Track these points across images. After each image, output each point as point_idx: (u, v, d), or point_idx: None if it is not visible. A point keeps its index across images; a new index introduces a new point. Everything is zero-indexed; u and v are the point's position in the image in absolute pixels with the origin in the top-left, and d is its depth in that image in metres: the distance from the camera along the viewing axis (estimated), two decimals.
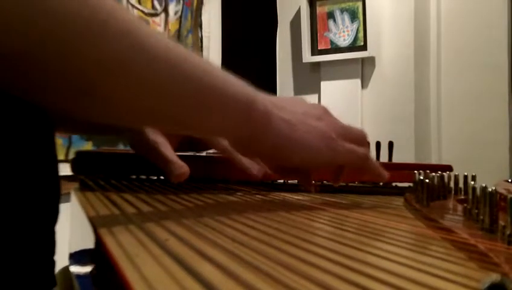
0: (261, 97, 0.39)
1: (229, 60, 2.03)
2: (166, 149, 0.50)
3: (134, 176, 0.59)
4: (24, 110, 0.30)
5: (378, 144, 0.62)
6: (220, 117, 0.36)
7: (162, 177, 0.59)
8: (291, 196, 0.52)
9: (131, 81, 0.29)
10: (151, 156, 0.50)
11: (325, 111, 0.45)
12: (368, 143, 0.48)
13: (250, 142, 0.40)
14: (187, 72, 0.32)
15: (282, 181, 0.59)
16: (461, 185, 0.50)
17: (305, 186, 0.49)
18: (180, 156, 0.50)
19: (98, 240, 0.27)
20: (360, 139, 0.46)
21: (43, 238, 0.32)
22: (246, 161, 0.52)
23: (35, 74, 0.26)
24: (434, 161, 1.94)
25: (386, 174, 0.48)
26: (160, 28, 1.78)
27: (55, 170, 0.35)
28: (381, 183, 0.60)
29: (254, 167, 0.52)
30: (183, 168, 0.48)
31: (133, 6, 1.70)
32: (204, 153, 0.61)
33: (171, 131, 0.51)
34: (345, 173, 0.49)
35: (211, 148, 0.56)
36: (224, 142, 0.52)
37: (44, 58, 0.25)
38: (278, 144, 0.40)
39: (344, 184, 0.59)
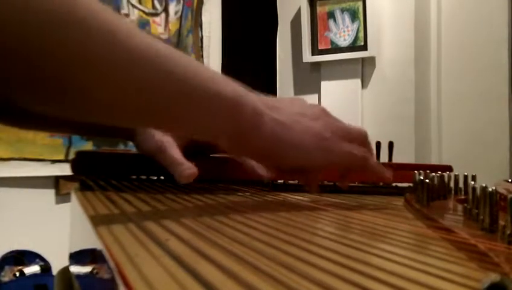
0: (252, 97, 0.38)
1: (229, 60, 2.03)
2: (173, 150, 0.49)
3: (134, 176, 0.59)
4: None
5: (378, 144, 0.62)
6: (206, 117, 0.36)
7: (162, 178, 0.59)
8: (291, 196, 0.52)
9: (111, 80, 0.29)
10: (157, 156, 0.50)
11: (323, 111, 0.44)
12: (369, 143, 0.48)
13: (240, 142, 0.39)
14: (171, 71, 0.32)
15: (282, 181, 0.59)
16: (461, 185, 0.50)
17: (308, 186, 0.49)
18: (188, 157, 0.49)
19: (100, 241, 0.27)
20: (360, 139, 0.45)
21: None
22: (254, 164, 0.52)
23: (11, 71, 0.26)
24: (434, 161, 1.94)
25: (388, 174, 0.47)
26: (161, 28, 1.79)
27: None
28: (381, 183, 0.60)
29: (262, 168, 0.52)
30: (191, 169, 0.47)
31: (133, 6, 1.70)
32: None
33: (159, 130, 0.50)
34: (350, 175, 0.49)
35: (217, 152, 0.56)
36: None
37: (21, 55, 0.25)
38: (270, 145, 0.40)
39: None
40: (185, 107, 0.34)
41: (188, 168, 0.47)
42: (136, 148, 0.54)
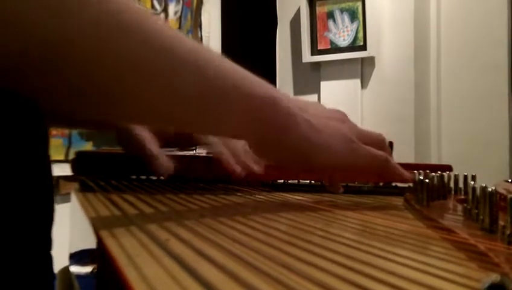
0: (285, 98, 0.38)
1: (229, 60, 2.03)
2: (152, 145, 0.50)
3: (134, 177, 0.59)
4: (15, 108, 0.30)
5: None
6: (241, 117, 0.36)
7: (162, 178, 0.59)
8: (291, 196, 0.52)
9: (152, 83, 0.29)
10: (137, 151, 0.51)
11: (345, 115, 0.46)
12: (387, 147, 0.48)
13: (271, 143, 0.39)
14: (211, 74, 0.32)
15: (282, 181, 0.59)
16: (461, 185, 0.50)
17: (331, 187, 0.49)
18: (174, 155, 0.50)
19: (99, 241, 0.27)
20: (379, 143, 0.46)
21: (38, 238, 0.32)
22: (231, 159, 0.52)
23: (44, 73, 0.26)
24: (434, 161, 1.94)
25: (408, 175, 0.48)
26: None
27: (48, 168, 0.34)
28: (381, 184, 0.60)
29: (237, 166, 0.52)
30: (167, 163, 0.49)
31: None
32: (193, 152, 0.61)
33: (190, 131, 0.51)
34: (368, 176, 0.50)
35: (197, 145, 0.56)
36: (213, 138, 0.52)
37: (52, 58, 0.25)
38: (300, 146, 0.40)
39: (344, 184, 0.59)
40: (220, 107, 0.34)
41: (164, 162, 0.49)
42: (118, 144, 0.55)
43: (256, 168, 0.52)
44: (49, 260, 0.33)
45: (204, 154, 0.59)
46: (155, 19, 0.30)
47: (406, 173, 0.48)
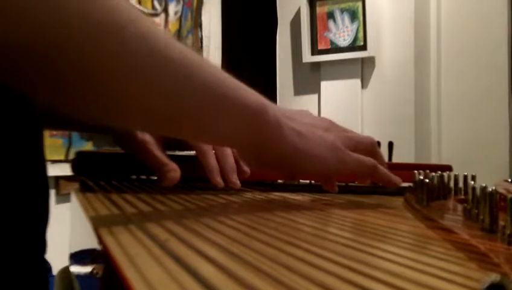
0: (272, 107, 0.39)
1: (229, 60, 2.03)
2: (157, 150, 0.49)
3: (134, 176, 0.59)
4: (10, 109, 0.30)
5: (378, 144, 0.62)
6: (232, 125, 0.36)
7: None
8: (291, 197, 0.52)
9: (146, 88, 0.29)
10: (141, 155, 0.50)
11: (332, 123, 0.46)
12: (377, 150, 0.48)
13: (259, 151, 0.40)
14: (201, 80, 0.32)
15: (282, 181, 0.59)
16: (461, 185, 0.50)
17: (327, 187, 0.50)
18: (170, 156, 0.49)
19: (100, 241, 0.27)
20: (369, 148, 0.47)
21: (32, 240, 0.32)
22: (215, 168, 0.52)
23: (50, 74, 0.26)
24: (434, 161, 1.94)
25: (398, 180, 0.48)
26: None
27: (43, 170, 0.34)
28: (381, 184, 0.59)
29: (219, 177, 0.51)
30: (176, 171, 0.48)
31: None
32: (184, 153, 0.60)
33: (180, 138, 0.51)
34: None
35: (191, 150, 0.55)
36: (204, 145, 0.52)
37: (59, 60, 0.25)
38: (287, 154, 0.40)
39: (344, 184, 0.59)
40: (212, 115, 0.34)
41: (172, 170, 0.47)
42: (118, 145, 0.54)
43: (238, 185, 0.52)
44: (42, 262, 0.33)
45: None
46: (149, 21, 0.30)
47: (394, 178, 0.48)
